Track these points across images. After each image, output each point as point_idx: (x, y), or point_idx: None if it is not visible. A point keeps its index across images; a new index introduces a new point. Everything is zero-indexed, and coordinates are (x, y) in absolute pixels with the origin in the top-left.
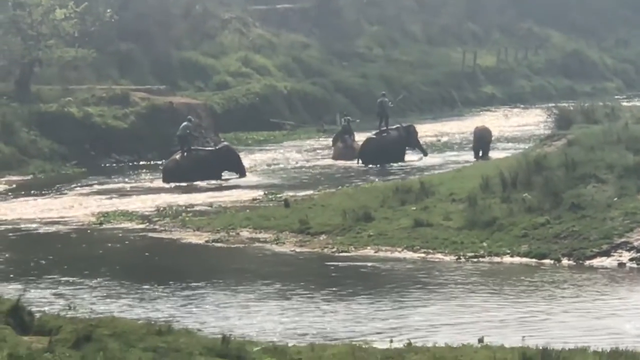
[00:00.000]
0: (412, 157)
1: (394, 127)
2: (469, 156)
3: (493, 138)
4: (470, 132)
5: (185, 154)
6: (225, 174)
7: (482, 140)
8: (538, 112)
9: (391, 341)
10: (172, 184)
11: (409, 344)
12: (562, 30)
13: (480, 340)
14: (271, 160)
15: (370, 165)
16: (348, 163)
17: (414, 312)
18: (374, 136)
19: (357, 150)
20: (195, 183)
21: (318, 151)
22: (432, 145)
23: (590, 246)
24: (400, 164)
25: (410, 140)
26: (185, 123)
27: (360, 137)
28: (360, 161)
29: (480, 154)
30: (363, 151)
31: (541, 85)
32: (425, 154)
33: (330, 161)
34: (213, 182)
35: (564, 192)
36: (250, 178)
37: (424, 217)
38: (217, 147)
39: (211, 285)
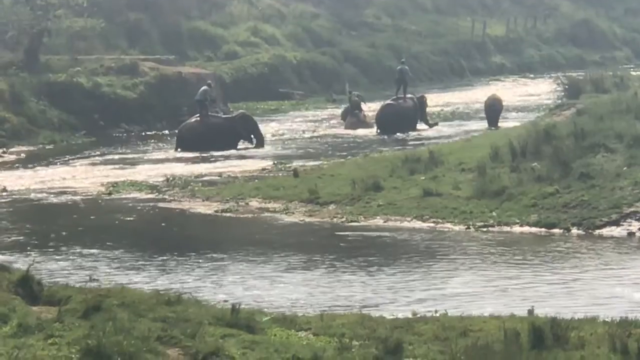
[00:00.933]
0: (423, 127)
1: (409, 96)
2: (478, 125)
3: (503, 108)
4: (480, 102)
5: (202, 119)
6: (241, 144)
7: (492, 111)
8: (547, 82)
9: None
10: (186, 153)
11: (414, 313)
12: None
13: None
14: (280, 130)
15: (385, 136)
16: (361, 132)
17: (424, 282)
18: (392, 102)
19: (368, 122)
20: (206, 153)
21: (327, 121)
22: (440, 114)
23: (599, 215)
24: (412, 133)
25: (422, 111)
26: (204, 87)
27: (371, 106)
28: (377, 128)
29: (491, 124)
30: (381, 117)
31: (550, 55)
32: (430, 126)
33: (339, 131)
34: (225, 152)
35: (573, 161)
36: (260, 148)
37: (433, 186)
38: (234, 115)
39: (220, 255)
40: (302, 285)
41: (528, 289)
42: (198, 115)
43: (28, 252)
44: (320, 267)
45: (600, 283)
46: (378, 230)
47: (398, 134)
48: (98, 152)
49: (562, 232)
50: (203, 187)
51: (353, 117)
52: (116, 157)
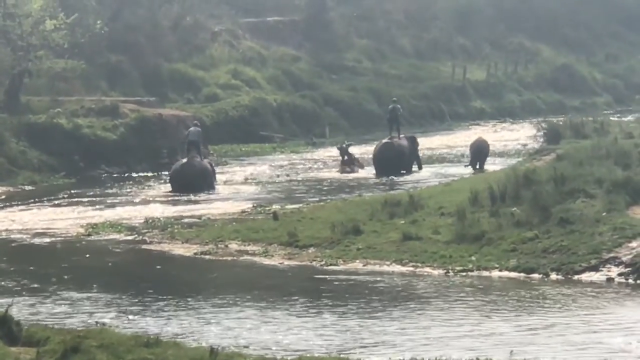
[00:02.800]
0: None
1: (401, 136)
2: (461, 169)
3: (489, 150)
4: (464, 146)
5: (193, 159)
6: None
7: (479, 153)
8: (527, 127)
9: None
10: (178, 194)
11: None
12: (552, 44)
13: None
14: (260, 173)
15: (384, 179)
16: (355, 176)
17: (403, 326)
18: (389, 141)
19: (359, 164)
20: (184, 195)
21: (307, 164)
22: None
23: (578, 261)
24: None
25: (413, 150)
26: (197, 128)
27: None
28: (375, 169)
29: (477, 166)
30: (380, 158)
31: (531, 100)
32: (420, 168)
33: (318, 174)
34: (202, 194)
35: (553, 206)
36: (239, 191)
37: (413, 230)
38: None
39: (199, 297)
40: (281, 328)
41: (507, 334)
42: (188, 156)
43: (7, 294)
44: (300, 310)
45: (578, 329)
46: (357, 274)
47: (395, 176)
48: (78, 194)
49: (541, 277)
50: (182, 229)
51: (344, 163)
52: (96, 198)
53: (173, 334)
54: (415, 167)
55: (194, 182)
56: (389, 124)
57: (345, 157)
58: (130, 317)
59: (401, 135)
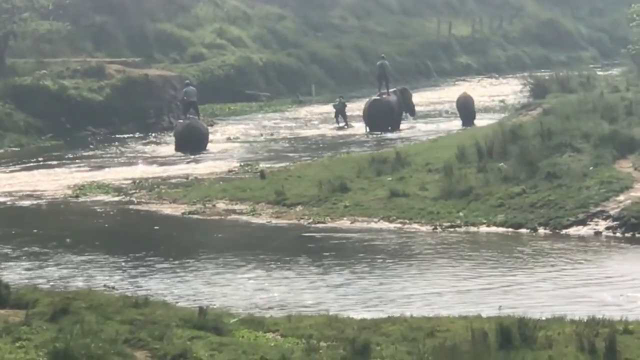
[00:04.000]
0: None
1: (391, 90)
2: (451, 124)
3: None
4: (447, 102)
5: (195, 119)
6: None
7: (465, 108)
8: (514, 82)
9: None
10: (184, 153)
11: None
12: None
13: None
14: (246, 132)
15: (375, 134)
16: (346, 132)
17: (391, 283)
18: (378, 98)
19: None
20: (172, 156)
21: (293, 122)
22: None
23: (566, 215)
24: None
25: (407, 103)
26: (192, 88)
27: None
28: (366, 125)
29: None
30: (369, 114)
31: (516, 55)
32: (413, 114)
33: (305, 132)
34: (190, 154)
35: (540, 161)
36: (226, 150)
37: (400, 187)
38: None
39: (187, 257)
40: (270, 286)
41: (495, 289)
42: (190, 115)
43: None
44: (288, 268)
45: (567, 282)
46: (345, 232)
47: (385, 131)
48: (65, 155)
49: (529, 232)
50: (170, 189)
51: (340, 122)
52: (83, 159)
53: (162, 293)
54: (408, 117)
55: (199, 141)
56: (378, 80)
57: (339, 117)
58: (121, 279)
59: (390, 90)
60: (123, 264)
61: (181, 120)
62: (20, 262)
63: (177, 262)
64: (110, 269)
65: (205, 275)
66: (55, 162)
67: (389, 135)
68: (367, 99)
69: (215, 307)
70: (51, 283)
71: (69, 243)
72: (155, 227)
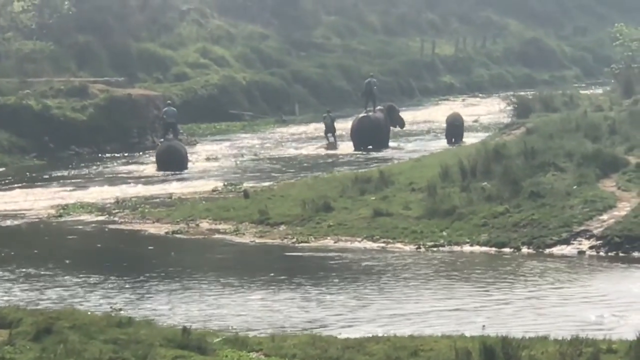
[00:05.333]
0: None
1: (378, 108)
2: (435, 144)
3: (464, 124)
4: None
5: (173, 140)
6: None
7: (454, 127)
8: (497, 101)
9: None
10: (166, 172)
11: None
12: (520, 18)
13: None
14: (230, 151)
15: (362, 149)
16: (334, 152)
17: (374, 302)
18: (366, 115)
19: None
20: (156, 174)
21: (277, 141)
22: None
23: (549, 234)
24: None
25: (393, 118)
26: (172, 109)
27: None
28: (354, 143)
29: (453, 140)
30: (357, 132)
31: (500, 74)
32: (402, 126)
33: (288, 151)
34: (177, 173)
35: (523, 180)
36: (209, 169)
37: (384, 206)
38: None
39: (171, 277)
40: (254, 306)
41: (479, 309)
42: (165, 138)
43: None
44: (272, 288)
45: (551, 302)
46: (328, 251)
47: (373, 149)
48: (48, 175)
49: (512, 251)
50: (153, 208)
51: (327, 140)
52: (66, 179)
53: (145, 314)
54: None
55: (180, 162)
56: (364, 97)
57: (329, 135)
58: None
59: (377, 108)
60: (106, 283)
61: (162, 140)
62: (2, 282)
63: (159, 281)
64: (91, 287)
65: (189, 294)
66: (38, 182)
67: (374, 154)
68: (354, 117)
69: (199, 327)
70: (26, 301)
71: (52, 263)
72: (138, 247)
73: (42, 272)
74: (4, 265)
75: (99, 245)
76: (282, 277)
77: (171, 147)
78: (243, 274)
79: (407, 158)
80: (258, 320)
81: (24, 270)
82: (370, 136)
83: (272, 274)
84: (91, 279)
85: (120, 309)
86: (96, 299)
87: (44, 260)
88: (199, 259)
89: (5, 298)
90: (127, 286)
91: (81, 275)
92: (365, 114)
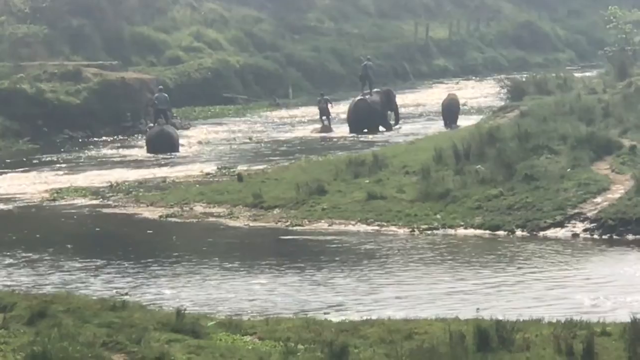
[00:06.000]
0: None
1: (375, 90)
2: (431, 126)
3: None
4: (431, 104)
5: (164, 125)
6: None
7: (449, 109)
8: (491, 84)
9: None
10: (136, 158)
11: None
12: (514, 1)
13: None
14: (223, 135)
15: (358, 132)
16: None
17: (369, 285)
18: (362, 98)
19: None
20: (149, 159)
21: (271, 125)
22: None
23: (543, 217)
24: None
25: (390, 105)
26: (163, 94)
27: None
28: (349, 126)
29: (449, 122)
30: (354, 114)
31: (493, 57)
32: (397, 122)
33: (283, 134)
34: (170, 156)
35: (517, 163)
36: (203, 153)
37: (378, 189)
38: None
39: (165, 260)
40: (248, 289)
41: (473, 292)
42: (156, 123)
43: None
44: (266, 271)
45: (545, 285)
46: (322, 234)
47: (369, 132)
48: (42, 158)
49: (506, 234)
50: (147, 192)
51: (322, 123)
52: (60, 163)
53: (140, 297)
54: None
55: (172, 146)
56: (361, 81)
57: (323, 118)
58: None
59: (374, 91)
60: (100, 266)
61: (152, 125)
62: (3, 266)
63: (154, 264)
64: (86, 271)
65: (183, 278)
66: (32, 166)
67: (369, 137)
68: (350, 100)
69: (193, 310)
70: (28, 286)
71: (47, 246)
72: (132, 231)
73: (44, 257)
74: (4, 250)
75: (97, 229)
76: (277, 261)
77: (163, 131)
78: (236, 257)
79: (402, 141)
80: (253, 303)
81: (24, 254)
82: (367, 119)
83: (268, 258)
84: (92, 264)
85: (127, 293)
86: (100, 284)
87: (43, 244)
88: (195, 243)
89: (7, 283)
90: (129, 270)
91: (82, 260)
92: (361, 97)
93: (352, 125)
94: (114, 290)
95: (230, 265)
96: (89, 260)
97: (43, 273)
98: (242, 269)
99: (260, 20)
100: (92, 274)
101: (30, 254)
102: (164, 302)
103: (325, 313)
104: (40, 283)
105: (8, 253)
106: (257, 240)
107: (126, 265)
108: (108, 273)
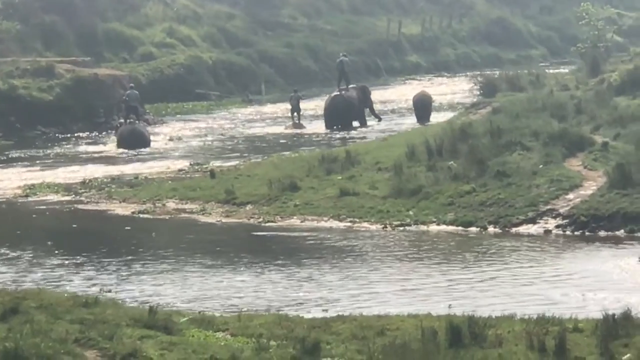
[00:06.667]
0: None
1: (352, 86)
2: (405, 123)
3: (432, 103)
4: (402, 100)
5: (134, 123)
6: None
7: (421, 106)
8: (463, 80)
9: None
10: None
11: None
12: None
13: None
14: (196, 131)
15: (335, 127)
16: (302, 131)
17: (341, 282)
18: (338, 94)
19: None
20: (121, 155)
21: (243, 121)
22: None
23: (516, 213)
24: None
25: (366, 101)
26: (134, 92)
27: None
28: (325, 122)
29: (422, 118)
30: (330, 110)
31: (466, 54)
32: (379, 118)
33: (254, 131)
34: (143, 151)
35: (490, 159)
36: (175, 149)
37: (350, 186)
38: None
39: (137, 256)
40: (220, 286)
41: (445, 288)
42: (127, 120)
43: None
44: (238, 268)
45: (517, 281)
46: (295, 231)
47: (345, 128)
48: (15, 155)
49: (478, 231)
50: (119, 188)
51: (292, 120)
52: (33, 159)
53: (112, 293)
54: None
55: (143, 143)
56: (338, 76)
57: (295, 114)
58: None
59: (350, 87)
60: (71, 263)
61: (122, 121)
62: None
63: (125, 261)
64: (57, 267)
65: (155, 274)
66: (4, 162)
67: (342, 133)
68: (327, 96)
69: (165, 306)
70: (7, 283)
71: (25, 243)
72: (105, 227)
73: (23, 255)
74: None
75: (74, 226)
76: (249, 257)
77: (135, 129)
78: (210, 254)
79: (375, 137)
80: (225, 300)
81: (2, 251)
82: (343, 115)
83: (239, 254)
84: (71, 261)
85: (110, 290)
86: (79, 281)
87: (21, 241)
88: (172, 240)
89: None
90: (109, 267)
91: (61, 257)
92: (338, 93)
93: (329, 121)
94: (98, 288)
95: (210, 262)
96: (68, 257)
97: (22, 270)
98: (220, 266)
99: (233, 17)
100: (72, 270)
101: (7, 251)
102: (148, 299)
103: (297, 309)
104: (19, 280)
105: None
106: (230, 236)
107: (106, 262)
108: (88, 270)
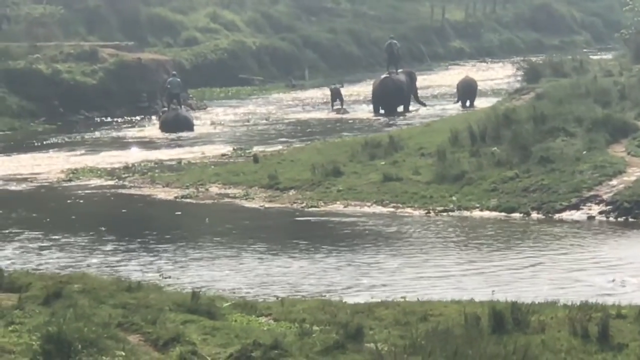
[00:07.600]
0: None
1: (400, 70)
2: (450, 108)
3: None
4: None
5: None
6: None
7: (467, 91)
8: (507, 66)
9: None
10: (153, 138)
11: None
12: None
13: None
14: (239, 116)
15: (381, 111)
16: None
17: (385, 267)
18: (388, 76)
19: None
20: (165, 137)
21: (287, 106)
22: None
23: (559, 200)
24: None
25: (412, 87)
26: (176, 79)
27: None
28: (374, 105)
29: (468, 104)
30: (380, 93)
31: (509, 39)
32: (423, 103)
33: (299, 115)
34: (184, 136)
35: (533, 145)
36: (218, 134)
37: (393, 171)
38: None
39: (180, 241)
40: (263, 271)
41: (488, 274)
42: (170, 107)
43: None
44: (281, 253)
45: (560, 267)
46: (338, 216)
47: (393, 112)
48: (58, 139)
49: (522, 217)
50: (163, 173)
51: (335, 106)
52: (76, 143)
53: (156, 277)
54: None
55: (186, 126)
56: (387, 59)
57: (337, 101)
58: (117, 262)
59: (399, 71)
60: (116, 247)
61: (165, 108)
62: (13, 245)
63: (169, 246)
64: (101, 251)
65: (198, 259)
66: (48, 146)
67: (385, 119)
68: (373, 80)
69: (208, 291)
70: (46, 267)
71: (63, 227)
72: (148, 212)
73: (76, 240)
74: (13, 229)
75: (109, 210)
76: (293, 242)
77: (179, 114)
78: (253, 239)
79: (418, 123)
80: (268, 285)
81: (54, 236)
82: (392, 98)
83: (282, 239)
84: (126, 246)
85: (169, 277)
86: (136, 267)
87: (53, 224)
88: (209, 224)
89: (43, 265)
90: (164, 254)
91: (115, 242)
92: (387, 75)
93: (376, 103)
94: (156, 274)
95: (264, 247)
96: (122, 242)
97: (79, 255)
98: (276, 252)
99: (276, 2)
100: (127, 256)
101: (63, 237)
102: (208, 284)
103: (342, 294)
104: (76, 265)
105: (39, 234)
106: (275, 221)
107: (161, 248)
108: (144, 255)
